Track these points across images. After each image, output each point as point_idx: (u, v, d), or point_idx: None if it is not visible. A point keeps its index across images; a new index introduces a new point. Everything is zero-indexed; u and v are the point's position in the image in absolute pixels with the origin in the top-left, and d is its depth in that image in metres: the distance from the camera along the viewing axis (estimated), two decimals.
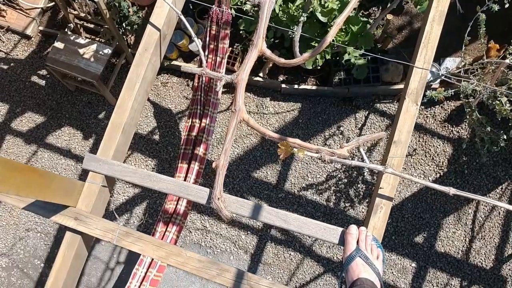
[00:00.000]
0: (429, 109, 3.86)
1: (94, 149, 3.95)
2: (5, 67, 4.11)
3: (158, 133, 3.96)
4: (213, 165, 1.75)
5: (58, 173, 3.90)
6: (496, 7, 2.74)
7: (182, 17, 1.82)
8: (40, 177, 1.43)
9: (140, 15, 3.90)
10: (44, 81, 4.09)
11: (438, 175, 3.78)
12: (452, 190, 1.58)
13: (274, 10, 3.50)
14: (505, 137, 3.01)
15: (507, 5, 2.73)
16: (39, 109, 4.03)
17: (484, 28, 2.93)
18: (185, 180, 3.31)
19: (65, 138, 3.99)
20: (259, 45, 1.81)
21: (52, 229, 3.89)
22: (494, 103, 2.94)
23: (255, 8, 3.52)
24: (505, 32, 3.70)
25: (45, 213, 1.75)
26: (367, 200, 3.77)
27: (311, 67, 3.49)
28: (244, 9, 3.54)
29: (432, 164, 3.80)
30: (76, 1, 3.55)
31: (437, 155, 3.80)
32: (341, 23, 1.84)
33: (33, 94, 4.06)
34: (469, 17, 2.88)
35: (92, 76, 3.58)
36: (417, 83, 1.77)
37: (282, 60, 1.82)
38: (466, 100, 3.09)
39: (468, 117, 3.16)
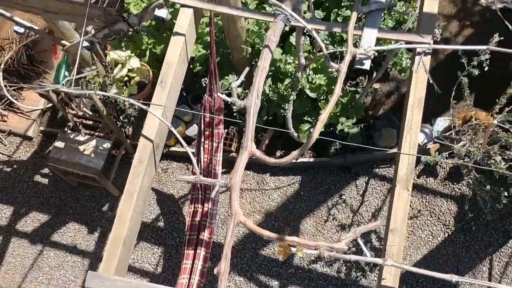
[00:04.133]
0: (427, 169, 3.88)
1: (99, 243, 3.95)
2: (8, 169, 4.20)
3: (163, 219, 3.98)
4: (215, 271, 1.75)
5: (65, 271, 3.88)
6: (476, 72, 2.80)
7: (173, 130, 1.90)
8: None
9: (136, 107, 4.02)
10: (47, 180, 4.16)
11: (446, 234, 3.74)
12: (454, 278, 1.58)
13: (264, 91, 3.62)
14: (506, 194, 3.01)
15: (486, 68, 2.79)
16: (43, 207, 4.08)
17: (468, 91, 2.98)
18: (192, 266, 3.29)
19: (70, 234, 4.00)
20: (249, 147, 1.86)
21: None
22: (489, 162, 2.95)
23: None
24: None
25: None
26: (378, 268, 3.71)
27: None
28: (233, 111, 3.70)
29: (439, 224, 3.77)
30: (74, 101, 3.68)
31: (443, 214, 3.78)
32: (326, 117, 1.91)
33: (37, 193, 4.12)
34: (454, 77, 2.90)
35: (94, 172, 3.65)
36: (406, 169, 1.81)
37: (272, 160, 1.87)
38: (462, 161, 3.11)
39: (465, 177, 3.17)
